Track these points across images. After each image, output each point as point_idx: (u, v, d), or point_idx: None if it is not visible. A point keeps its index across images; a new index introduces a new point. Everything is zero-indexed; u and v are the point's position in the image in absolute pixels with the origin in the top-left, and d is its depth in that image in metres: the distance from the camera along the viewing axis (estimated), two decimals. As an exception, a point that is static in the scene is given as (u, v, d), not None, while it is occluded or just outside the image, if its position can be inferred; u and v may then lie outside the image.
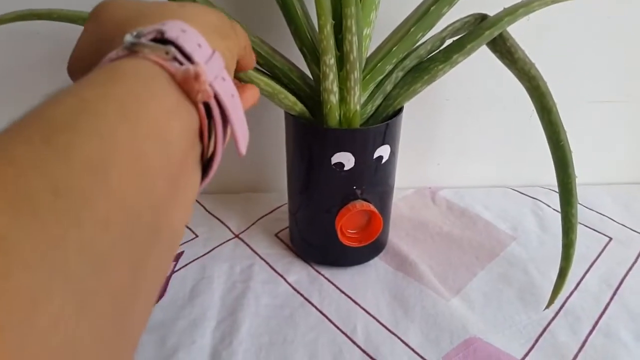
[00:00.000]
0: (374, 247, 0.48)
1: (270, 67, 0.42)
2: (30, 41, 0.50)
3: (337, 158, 0.41)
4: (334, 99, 0.39)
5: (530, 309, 0.43)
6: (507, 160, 0.63)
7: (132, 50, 0.19)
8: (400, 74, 0.42)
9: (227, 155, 0.62)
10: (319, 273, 0.47)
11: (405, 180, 0.60)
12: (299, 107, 0.41)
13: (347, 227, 0.45)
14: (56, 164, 0.13)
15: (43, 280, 0.11)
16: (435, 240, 0.53)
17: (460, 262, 0.49)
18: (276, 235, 0.53)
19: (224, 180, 0.61)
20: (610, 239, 0.53)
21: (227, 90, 0.21)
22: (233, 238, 0.53)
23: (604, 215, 0.57)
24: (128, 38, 0.19)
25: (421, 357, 0.39)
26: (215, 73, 0.20)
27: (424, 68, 0.41)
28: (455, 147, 0.62)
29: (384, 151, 0.42)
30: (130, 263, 0.15)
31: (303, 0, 0.43)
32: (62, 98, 0.15)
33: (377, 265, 0.49)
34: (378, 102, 0.43)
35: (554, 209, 0.58)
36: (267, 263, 0.49)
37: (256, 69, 0.40)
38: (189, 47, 0.19)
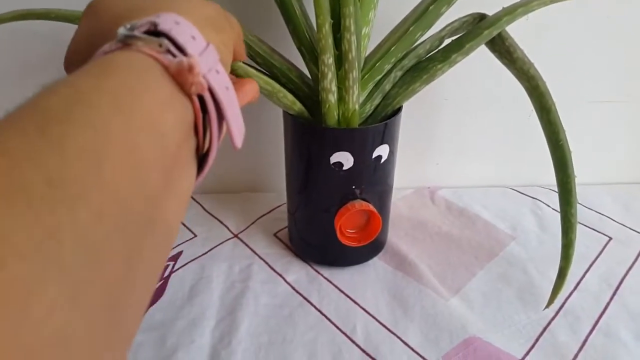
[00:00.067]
0: (373, 247, 0.48)
1: (269, 66, 0.42)
2: (29, 41, 0.50)
3: (335, 157, 0.41)
4: (332, 98, 0.39)
5: (529, 308, 0.43)
6: (506, 160, 0.63)
7: (126, 42, 0.19)
8: (399, 73, 0.42)
9: (226, 155, 0.62)
10: (318, 273, 0.47)
11: (404, 180, 0.60)
12: (297, 106, 0.41)
13: (346, 226, 0.45)
14: (50, 155, 0.13)
15: (37, 271, 0.11)
16: (434, 240, 0.52)
17: (459, 261, 0.49)
18: (275, 235, 0.53)
19: (222, 180, 0.62)
20: (610, 238, 0.53)
21: (221, 82, 0.21)
22: (232, 238, 0.53)
23: (603, 215, 0.57)
24: (121, 31, 0.19)
25: (421, 356, 0.39)
26: (209, 65, 0.20)
27: (423, 67, 0.41)
28: (454, 147, 0.62)
29: (382, 151, 0.42)
30: (124, 255, 0.15)
31: (302, -1, 0.43)
32: (57, 89, 0.15)
33: (376, 265, 0.49)
34: (377, 101, 0.43)
35: (553, 209, 0.58)
36: (266, 263, 0.49)
37: (254, 68, 0.40)
38: (182, 40, 0.19)
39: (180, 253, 0.50)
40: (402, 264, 0.48)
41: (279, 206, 0.58)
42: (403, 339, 0.40)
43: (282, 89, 0.39)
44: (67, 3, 0.38)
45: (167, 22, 0.19)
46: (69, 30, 0.25)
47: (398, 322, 0.42)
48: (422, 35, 0.41)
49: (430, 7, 0.40)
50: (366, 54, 0.43)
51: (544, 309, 0.43)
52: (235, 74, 0.34)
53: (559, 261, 0.41)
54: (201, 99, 0.20)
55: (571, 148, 0.39)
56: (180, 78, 0.18)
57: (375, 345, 0.40)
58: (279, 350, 0.39)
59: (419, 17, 0.40)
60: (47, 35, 0.49)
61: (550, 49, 0.54)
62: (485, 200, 0.60)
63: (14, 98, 0.15)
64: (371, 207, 0.43)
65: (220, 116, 0.21)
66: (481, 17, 0.41)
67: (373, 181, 0.43)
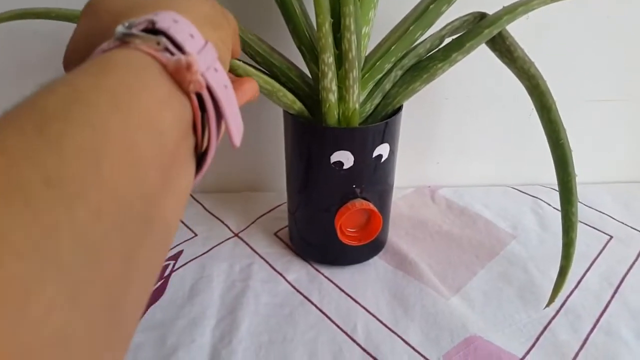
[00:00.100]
0: (373, 246, 0.48)
1: (269, 65, 0.42)
2: (28, 40, 0.50)
3: (336, 157, 0.41)
4: (332, 97, 0.39)
5: (530, 307, 0.43)
6: (507, 159, 0.63)
7: (124, 41, 0.19)
8: (400, 72, 0.42)
9: (226, 155, 0.62)
10: (319, 272, 0.47)
11: (405, 179, 0.59)
12: (297, 105, 0.41)
13: (347, 226, 0.45)
14: (48, 153, 0.13)
15: (35, 270, 0.11)
16: (434, 239, 0.52)
17: (460, 260, 0.49)
18: (275, 234, 0.53)
19: (223, 179, 0.62)
20: (611, 237, 0.53)
21: (219, 81, 0.21)
22: (232, 237, 0.53)
23: (604, 213, 0.57)
24: (119, 29, 0.19)
25: (422, 355, 0.39)
26: (207, 64, 0.20)
27: (423, 67, 0.41)
28: (455, 146, 0.62)
29: (383, 150, 0.42)
30: (123, 254, 0.15)
31: (302, -2, 0.43)
32: (55, 88, 0.15)
33: (376, 264, 0.49)
34: (377, 100, 0.43)
35: (554, 208, 0.58)
36: (267, 262, 0.49)
37: (254, 67, 0.40)
38: (180, 38, 0.19)
39: (180, 252, 0.50)
40: (402, 263, 0.48)
41: (279, 205, 0.58)
42: (404, 338, 0.40)
43: (282, 88, 0.39)
44: (67, 2, 0.38)
45: (165, 20, 0.19)
46: (68, 29, 0.25)
47: (399, 321, 0.42)
48: (422, 34, 0.41)
49: (431, 6, 0.40)
50: (366, 53, 0.43)
51: (545, 308, 0.43)
52: (235, 74, 0.34)
53: (559, 260, 0.41)
54: (200, 97, 0.20)
55: (571, 147, 0.39)
56: (179, 76, 0.18)
57: (376, 344, 0.40)
58: (279, 350, 0.39)
59: (419, 16, 0.40)
60: (47, 34, 0.49)
61: (551, 48, 0.54)
62: (485, 199, 0.60)
63: (14, 98, 0.15)
64: (371, 206, 0.43)
65: (219, 114, 0.21)
66: (481, 16, 0.41)
67: (373, 180, 0.43)
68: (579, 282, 0.46)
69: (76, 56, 0.23)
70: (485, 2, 0.40)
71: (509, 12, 0.38)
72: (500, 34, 0.40)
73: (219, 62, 0.21)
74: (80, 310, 0.13)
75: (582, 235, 0.46)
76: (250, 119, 0.56)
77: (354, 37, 0.35)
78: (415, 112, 0.55)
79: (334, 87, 0.38)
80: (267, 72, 0.42)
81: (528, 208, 0.58)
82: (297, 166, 0.45)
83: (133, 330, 0.17)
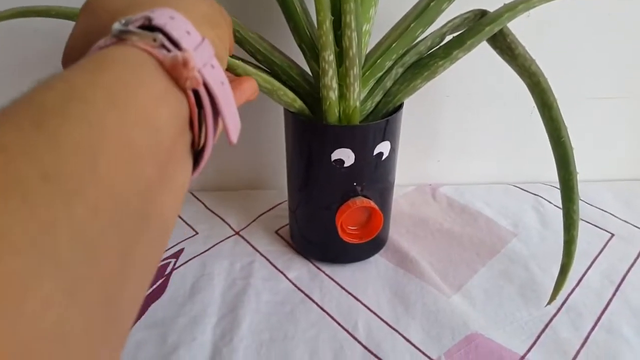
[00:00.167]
0: (374, 244, 0.48)
1: (269, 63, 0.42)
2: (29, 38, 0.50)
3: (337, 155, 0.41)
4: (333, 95, 0.39)
5: (531, 305, 0.43)
6: (508, 157, 0.63)
7: (120, 37, 0.19)
8: (400, 70, 0.42)
9: (227, 153, 0.62)
10: (320, 270, 0.47)
11: (406, 177, 0.59)
12: (298, 103, 0.41)
13: (348, 223, 0.45)
14: (46, 150, 0.13)
15: (33, 266, 0.11)
16: (435, 237, 0.52)
17: (461, 258, 0.49)
18: (276, 232, 0.53)
19: (224, 178, 0.62)
20: (612, 235, 0.53)
21: (216, 77, 0.21)
22: (233, 235, 0.53)
23: (605, 211, 0.57)
24: (116, 26, 0.19)
25: (423, 353, 0.39)
26: (204, 60, 0.20)
27: (424, 64, 0.41)
28: (456, 144, 0.62)
29: (384, 147, 0.42)
30: (120, 250, 0.15)
31: (302, -4, 0.43)
32: (52, 84, 0.15)
33: (377, 262, 0.49)
34: (378, 98, 0.43)
35: (555, 205, 0.58)
36: (268, 260, 0.49)
37: (255, 66, 0.40)
38: (176, 34, 0.19)
39: (181, 250, 0.50)
40: (403, 261, 0.48)
41: (280, 203, 0.58)
42: (405, 335, 0.40)
43: (282, 86, 0.39)
44: (67, 0, 0.38)
45: (161, 17, 0.19)
46: (69, 27, 0.25)
47: (400, 319, 0.42)
48: (423, 31, 0.41)
49: (431, 4, 0.40)
50: (367, 51, 0.43)
51: (546, 306, 0.43)
52: (235, 73, 0.34)
53: (560, 258, 0.41)
54: (196, 94, 0.20)
55: (573, 145, 0.39)
56: (175, 73, 0.18)
57: (377, 342, 0.40)
58: (280, 347, 0.39)
59: (420, 14, 0.40)
60: (47, 32, 0.49)
61: (552, 45, 0.54)
62: (486, 197, 0.60)
63: (14, 95, 0.15)
64: (372, 204, 0.43)
65: (216, 111, 0.21)
66: (482, 13, 0.41)
67: (374, 178, 0.43)
68: (580, 280, 0.46)
69: (75, 54, 0.24)
70: (485, 0, 0.40)
71: (510, 10, 0.38)
72: (501, 31, 0.39)
73: (215, 59, 0.21)
74: (77, 306, 0.13)
75: (584, 233, 0.46)
76: (250, 117, 0.57)
77: (354, 35, 0.35)
78: (416, 109, 0.55)
79: (335, 85, 0.38)
80: (267, 70, 0.42)
81: (529, 206, 0.58)
82: (297, 164, 0.45)
83: (129, 327, 0.17)
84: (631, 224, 0.55)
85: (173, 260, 0.48)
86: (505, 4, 0.39)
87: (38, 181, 0.12)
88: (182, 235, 0.52)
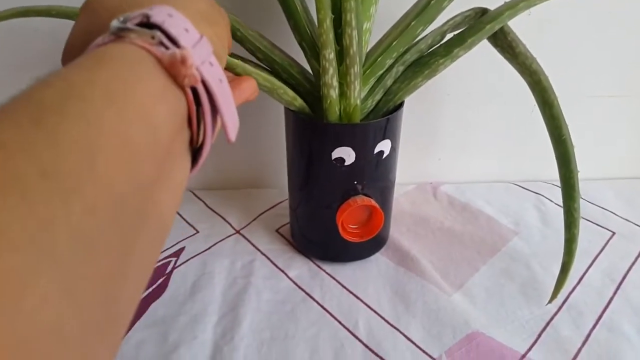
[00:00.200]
0: (375, 243, 0.48)
1: (270, 62, 0.42)
2: (29, 38, 0.50)
3: (337, 153, 0.41)
4: (333, 93, 0.39)
5: (532, 303, 0.43)
6: (509, 155, 0.63)
7: (119, 35, 0.19)
8: (401, 68, 0.42)
9: (227, 152, 0.62)
10: (320, 268, 0.47)
11: (406, 175, 0.59)
12: (298, 102, 0.41)
13: (348, 222, 0.45)
14: (44, 147, 0.13)
15: (31, 263, 0.11)
16: (436, 236, 0.52)
17: (461, 257, 0.49)
18: (277, 231, 0.53)
19: (224, 176, 0.62)
20: (613, 233, 0.53)
21: (215, 75, 0.21)
22: (234, 234, 0.53)
23: (606, 209, 0.57)
24: (114, 23, 0.19)
25: (424, 351, 0.39)
26: (202, 58, 0.20)
27: (425, 62, 0.41)
28: (457, 142, 0.62)
29: (384, 146, 0.42)
30: (118, 248, 0.15)
31: (303, -6, 0.43)
32: (50, 82, 0.15)
33: (378, 261, 0.48)
34: (378, 96, 0.43)
35: (556, 204, 0.58)
36: (268, 258, 0.49)
37: (255, 64, 0.40)
38: (175, 32, 0.19)
39: (182, 249, 0.50)
40: (404, 259, 0.48)
41: (280, 202, 0.58)
42: (406, 334, 0.40)
43: (282, 85, 0.38)
44: (68, 0, 0.38)
45: (159, 14, 0.19)
46: (69, 27, 0.25)
47: (400, 317, 0.42)
48: (423, 29, 0.41)
49: (432, 2, 0.40)
50: (367, 49, 0.43)
51: (547, 304, 0.43)
52: (234, 73, 0.34)
53: (561, 256, 0.41)
54: (195, 91, 0.20)
55: (574, 143, 0.39)
56: (173, 70, 0.18)
57: (377, 340, 0.40)
58: (281, 346, 0.39)
59: (421, 12, 0.40)
60: (48, 32, 0.49)
61: (553, 43, 0.53)
62: (487, 195, 0.60)
63: (13, 94, 0.15)
64: (373, 202, 0.43)
65: (214, 109, 0.21)
66: (483, 11, 0.41)
67: (375, 177, 0.43)
68: (581, 279, 0.46)
69: (74, 52, 0.24)
70: (486, -2, 0.40)
71: (511, 8, 0.38)
72: (502, 29, 0.39)
73: (214, 57, 0.21)
74: (75, 304, 0.13)
75: (584, 232, 0.46)
76: (251, 115, 0.57)
77: (355, 33, 0.35)
78: (416, 108, 0.55)
79: (335, 83, 0.38)
80: (268, 68, 0.42)
81: (530, 204, 0.58)
82: (298, 163, 0.45)
83: (127, 325, 0.17)
84: (632, 222, 0.55)
85: (174, 259, 0.48)
86: (506, 2, 0.39)
87: (37, 178, 0.12)
88: (182, 234, 0.52)
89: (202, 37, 0.20)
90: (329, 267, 0.47)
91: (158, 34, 0.19)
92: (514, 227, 0.54)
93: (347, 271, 0.47)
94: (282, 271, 0.47)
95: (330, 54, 0.36)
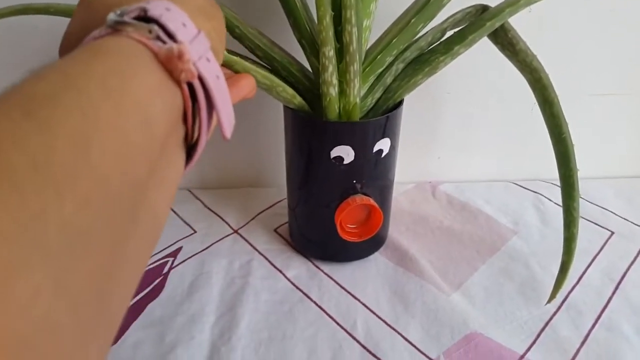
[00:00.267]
0: (373, 242, 0.48)
1: (269, 59, 0.41)
2: (28, 36, 0.50)
3: (336, 152, 0.40)
4: (333, 91, 0.38)
5: (531, 303, 0.43)
6: (508, 154, 0.63)
7: (115, 28, 0.18)
8: (401, 66, 0.41)
9: (225, 151, 0.62)
10: (319, 268, 0.47)
11: (405, 174, 0.59)
12: (297, 100, 0.40)
13: (347, 221, 0.45)
14: (37, 138, 0.13)
15: (22, 254, 0.11)
16: (435, 235, 0.52)
17: (460, 256, 0.49)
18: (275, 230, 0.53)
19: (222, 176, 0.61)
20: (612, 232, 0.53)
21: (211, 71, 0.20)
22: (232, 233, 0.52)
23: (606, 209, 0.57)
24: (111, 16, 0.19)
25: (422, 352, 0.38)
26: (200, 53, 0.20)
27: (425, 60, 0.40)
28: (456, 141, 0.61)
29: (384, 144, 0.41)
30: (110, 243, 0.15)
31: (302, -9, 0.42)
32: (45, 74, 0.15)
33: (377, 260, 0.48)
34: (378, 94, 0.42)
35: (555, 203, 0.58)
36: (266, 258, 0.48)
37: (254, 62, 0.39)
38: (172, 26, 0.19)
39: (179, 249, 0.49)
40: (403, 259, 0.48)
41: (279, 201, 0.58)
42: (404, 334, 0.40)
43: (281, 82, 0.38)
44: (65, -4, 0.37)
45: (157, 8, 0.19)
46: (67, 24, 0.25)
47: (399, 317, 0.42)
48: (424, 27, 0.40)
49: (432, -1, 0.39)
50: (367, 47, 0.42)
51: (546, 304, 0.42)
52: (233, 70, 0.34)
53: (561, 255, 0.41)
54: (191, 87, 0.19)
55: (573, 141, 0.39)
56: (170, 65, 0.18)
57: (376, 341, 0.39)
58: (279, 346, 0.39)
59: (421, 9, 0.40)
60: (46, 30, 0.49)
61: (553, 41, 0.53)
62: (486, 194, 0.59)
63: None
64: (372, 201, 0.42)
65: (210, 105, 0.21)
66: (484, 8, 0.40)
67: (374, 175, 0.43)
68: (580, 278, 0.46)
69: (71, 46, 0.23)
70: (487, -5, 0.40)
71: (511, 5, 0.37)
72: (502, 26, 0.39)
73: (211, 52, 0.21)
74: (65, 297, 0.13)
75: (584, 231, 0.46)
76: (249, 114, 0.56)
77: (354, 30, 0.35)
78: (416, 106, 0.54)
79: (335, 81, 0.38)
80: (267, 66, 0.42)
81: (529, 203, 0.58)
82: (297, 161, 0.44)
83: (119, 321, 0.17)
84: (631, 222, 0.54)
85: (171, 259, 0.48)
86: None
87: (28, 170, 0.12)
88: (180, 233, 0.52)
89: (200, 32, 0.20)
90: (328, 267, 0.47)
91: (155, 28, 0.18)
92: (513, 226, 0.54)
93: (345, 271, 0.47)
94: (280, 271, 0.47)
95: (329, 51, 0.36)
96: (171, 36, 0.19)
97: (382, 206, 0.44)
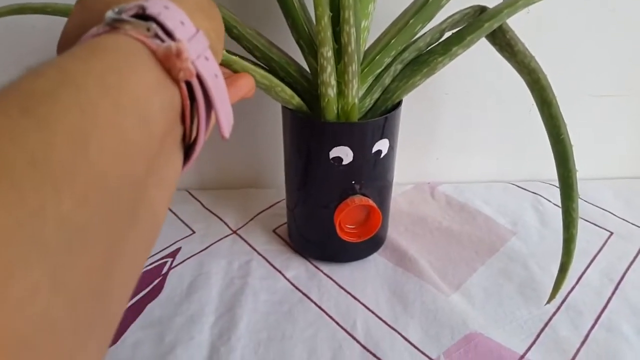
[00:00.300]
0: (373, 243, 0.48)
1: (267, 60, 0.41)
2: (26, 35, 0.50)
3: (335, 152, 0.40)
4: (331, 92, 0.38)
5: (531, 304, 0.43)
6: (507, 155, 0.63)
7: (113, 26, 0.18)
8: (399, 66, 0.41)
9: (224, 151, 0.62)
10: (318, 269, 0.47)
11: (404, 175, 0.59)
12: (296, 100, 0.40)
13: (346, 222, 0.45)
14: (35, 135, 0.13)
15: (20, 252, 0.11)
16: (434, 236, 0.52)
17: (460, 257, 0.49)
18: (274, 231, 0.53)
19: (221, 176, 0.61)
20: (611, 233, 0.53)
21: (210, 70, 0.20)
22: (231, 234, 0.52)
23: (604, 209, 0.57)
24: (109, 14, 0.19)
25: (422, 352, 0.38)
26: (198, 52, 0.19)
27: (423, 61, 0.41)
28: (455, 142, 0.61)
29: (382, 145, 0.41)
30: (107, 240, 0.15)
31: (300, -8, 0.42)
32: (43, 71, 0.15)
33: (376, 261, 0.48)
34: (376, 95, 0.42)
35: (554, 204, 0.58)
36: (265, 259, 0.48)
37: (252, 62, 0.39)
38: (171, 24, 0.19)
39: (178, 249, 0.49)
40: (402, 259, 0.48)
41: (278, 202, 0.58)
42: (404, 335, 0.40)
43: (280, 83, 0.38)
44: (63, -4, 0.37)
45: (155, 6, 0.19)
46: (65, 24, 0.25)
47: (398, 318, 0.41)
48: (422, 28, 0.40)
49: (430, 0, 0.39)
50: (366, 47, 0.42)
51: (546, 304, 0.42)
52: (232, 69, 0.34)
53: (560, 256, 0.41)
54: (189, 86, 0.19)
55: (572, 142, 0.39)
56: (168, 63, 0.18)
57: (375, 341, 0.39)
58: (278, 347, 0.39)
59: (419, 10, 0.40)
60: (44, 29, 0.49)
61: (552, 42, 0.53)
62: (485, 195, 0.59)
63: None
64: (371, 202, 0.42)
65: (209, 104, 0.21)
66: (482, 9, 0.40)
67: (373, 176, 0.43)
68: (579, 279, 0.46)
69: (69, 43, 0.23)
70: (485, -4, 0.40)
71: (510, 6, 0.38)
72: (500, 27, 0.39)
73: (209, 51, 0.21)
74: (63, 295, 0.13)
75: (583, 232, 0.46)
76: (248, 114, 0.56)
77: (353, 31, 0.35)
78: (414, 107, 0.54)
79: (333, 82, 0.38)
80: (265, 66, 0.42)
81: (528, 204, 0.58)
82: (295, 162, 0.44)
83: (118, 320, 0.17)
84: (630, 223, 0.54)
85: (170, 260, 0.48)
86: (504, 0, 0.39)
87: (26, 166, 0.12)
88: (179, 234, 0.52)
89: (199, 30, 0.20)
90: (327, 268, 0.47)
91: (153, 26, 0.18)
92: (512, 227, 0.54)
93: (344, 271, 0.47)
94: (279, 272, 0.47)
95: (328, 51, 0.36)
96: (169, 34, 0.19)
97: (381, 207, 0.44)
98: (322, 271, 0.47)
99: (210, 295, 0.44)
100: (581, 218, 0.53)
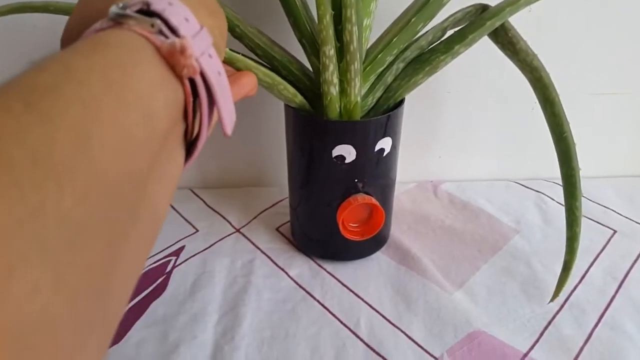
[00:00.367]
0: (375, 241, 0.48)
1: (269, 58, 0.41)
2: (27, 34, 0.50)
3: (338, 151, 0.40)
4: (334, 90, 0.38)
5: (534, 302, 0.43)
6: (510, 153, 0.63)
7: (117, 21, 0.18)
8: (401, 65, 0.41)
9: (227, 150, 0.62)
10: (321, 267, 0.47)
11: (407, 173, 0.59)
12: (298, 99, 0.40)
13: (349, 220, 0.45)
14: (37, 130, 0.13)
15: (21, 249, 0.11)
16: (437, 234, 0.52)
17: (462, 255, 0.49)
18: (277, 229, 0.53)
19: (224, 175, 0.61)
20: (615, 231, 0.53)
21: (213, 67, 0.20)
22: (234, 232, 0.52)
23: (608, 208, 0.57)
24: (113, 9, 0.18)
25: (425, 350, 0.38)
26: (202, 49, 0.19)
27: (425, 59, 0.41)
28: (457, 140, 0.61)
29: (385, 143, 0.41)
30: (108, 238, 0.15)
31: (302, -9, 0.42)
32: (46, 66, 0.15)
33: (379, 259, 0.48)
34: (379, 93, 0.42)
35: (557, 202, 0.57)
36: (269, 257, 0.48)
37: (254, 60, 0.39)
38: (175, 21, 0.19)
39: (182, 248, 0.50)
40: (405, 258, 0.48)
41: (281, 200, 0.58)
42: (407, 333, 0.40)
43: (282, 81, 0.38)
44: (66, -4, 0.37)
45: (160, 2, 0.19)
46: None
47: (402, 316, 0.42)
48: (424, 26, 0.40)
49: (432, -2, 0.40)
50: (368, 46, 0.42)
51: (549, 303, 0.42)
52: (235, 67, 0.34)
53: (563, 254, 0.41)
54: (192, 83, 0.19)
55: (575, 141, 0.39)
56: (172, 60, 0.18)
57: (379, 339, 0.39)
58: (282, 345, 0.39)
59: (421, 8, 0.40)
60: (45, 28, 0.49)
61: (554, 40, 0.53)
62: (488, 193, 0.59)
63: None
64: (374, 200, 0.42)
65: (211, 101, 0.21)
66: (484, 7, 0.40)
67: (375, 174, 0.43)
68: (583, 277, 0.46)
69: (72, 39, 0.23)
70: (487, -6, 0.40)
71: (511, 4, 0.38)
72: (502, 26, 0.39)
73: (213, 48, 0.21)
74: (63, 292, 0.12)
75: (586, 230, 0.46)
76: (251, 113, 0.56)
77: (355, 29, 0.35)
78: (417, 105, 0.54)
79: (336, 80, 0.38)
80: (267, 65, 0.42)
81: (531, 202, 0.58)
82: (298, 161, 0.44)
83: (119, 318, 0.17)
84: (634, 221, 0.54)
85: (173, 258, 0.48)
86: (507, -2, 0.38)
87: (28, 163, 0.12)
88: (182, 232, 0.52)
89: (203, 27, 0.20)
90: (330, 266, 0.47)
91: (158, 22, 0.18)
92: (515, 225, 0.54)
93: (347, 270, 0.47)
94: (283, 270, 0.47)
95: (330, 50, 0.36)
96: (174, 31, 0.19)
97: (384, 205, 0.44)
98: (325, 269, 0.47)
99: (214, 293, 0.44)
100: (584, 216, 0.53)
